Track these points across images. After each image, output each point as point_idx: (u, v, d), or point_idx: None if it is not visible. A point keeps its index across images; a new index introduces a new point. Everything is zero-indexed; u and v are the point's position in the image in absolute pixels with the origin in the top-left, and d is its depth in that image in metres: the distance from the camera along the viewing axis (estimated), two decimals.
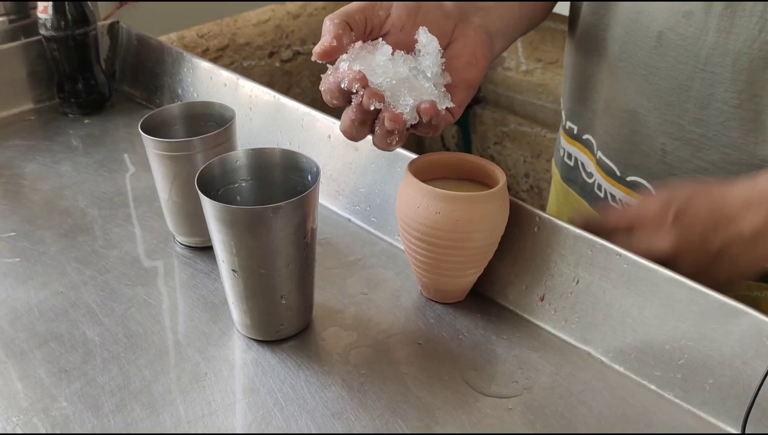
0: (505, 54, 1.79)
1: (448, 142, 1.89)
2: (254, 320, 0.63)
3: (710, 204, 0.59)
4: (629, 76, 0.70)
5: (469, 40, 0.63)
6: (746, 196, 0.58)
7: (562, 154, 0.84)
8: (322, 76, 0.60)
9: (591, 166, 0.79)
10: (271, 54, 1.75)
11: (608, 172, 0.75)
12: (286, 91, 1.76)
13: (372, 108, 0.57)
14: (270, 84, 1.70)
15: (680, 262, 0.58)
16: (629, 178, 0.72)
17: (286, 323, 0.63)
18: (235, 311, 0.63)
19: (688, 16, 0.65)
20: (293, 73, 1.81)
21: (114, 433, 0.56)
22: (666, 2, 0.66)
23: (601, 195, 0.78)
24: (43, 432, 0.56)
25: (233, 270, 0.60)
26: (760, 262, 0.57)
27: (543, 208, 0.67)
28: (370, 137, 0.62)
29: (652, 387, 0.59)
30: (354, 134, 0.60)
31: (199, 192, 0.59)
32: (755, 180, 0.60)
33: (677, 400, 0.58)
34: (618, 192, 0.74)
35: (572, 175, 0.83)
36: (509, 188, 0.65)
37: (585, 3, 0.75)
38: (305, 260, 0.61)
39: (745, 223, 0.57)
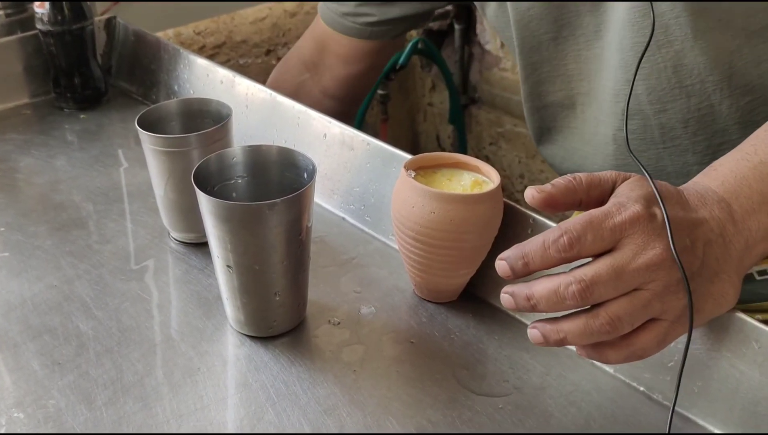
0: (501, 54, 1.80)
1: (443, 142, 1.89)
2: (248, 316, 0.63)
3: (681, 203, 0.52)
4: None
5: None
6: (696, 194, 0.53)
7: None
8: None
9: None
10: (268, 52, 1.76)
11: None
12: None
13: None
14: (266, 82, 1.70)
15: (676, 270, 0.50)
16: None
17: (280, 320, 0.63)
18: (229, 307, 0.63)
19: (631, 116, 0.71)
20: None
21: (107, 433, 0.56)
22: (607, 108, 0.73)
23: None
24: (36, 423, 0.56)
25: (228, 266, 0.60)
26: (737, 265, 0.53)
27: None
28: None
29: (641, 389, 0.60)
30: None
31: (195, 187, 0.59)
32: (693, 181, 0.55)
33: (666, 402, 0.58)
34: None
35: None
36: (504, 189, 0.65)
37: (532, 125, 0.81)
38: (300, 257, 0.61)
39: (710, 222, 0.52)
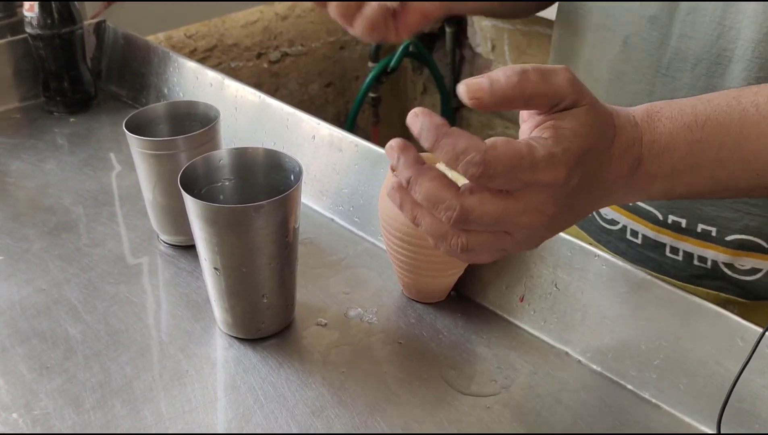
0: (492, 57, 1.80)
1: None
2: (236, 318, 0.63)
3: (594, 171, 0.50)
4: (598, 82, 0.71)
5: None
6: (630, 163, 0.51)
7: None
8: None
9: None
10: (259, 55, 1.76)
11: None
12: (273, 92, 1.77)
13: None
14: (257, 85, 1.70)
15: (546, 231, 0.49)
16: None
17: (268, 322, 0.63)
18: (217, 309, 0.64)
19: (653, 21, 0.66)
20: (281, 75, 1.82)
21: (95, 433, 0.56)
22: (633, 7, 0.67)
23: None
24: (24, 427, 0.56)
25: (215, 268, 0.60)
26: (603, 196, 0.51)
27: None
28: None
29: (629, 386, 0.60)
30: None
31: (182, 190, 0.59)
32: (640, 135, 0.52)
33: (653, 400, 0.59)
34: None
35: None
36: None
37: (559, 7, 0.77)
38: (287, 259, 0.62)
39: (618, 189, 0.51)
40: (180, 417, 0.57)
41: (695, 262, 0.69)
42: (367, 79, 1.81)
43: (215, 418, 0.57)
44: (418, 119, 0.47)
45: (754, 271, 0.67)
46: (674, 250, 0.70)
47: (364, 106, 1.86)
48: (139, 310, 0.68)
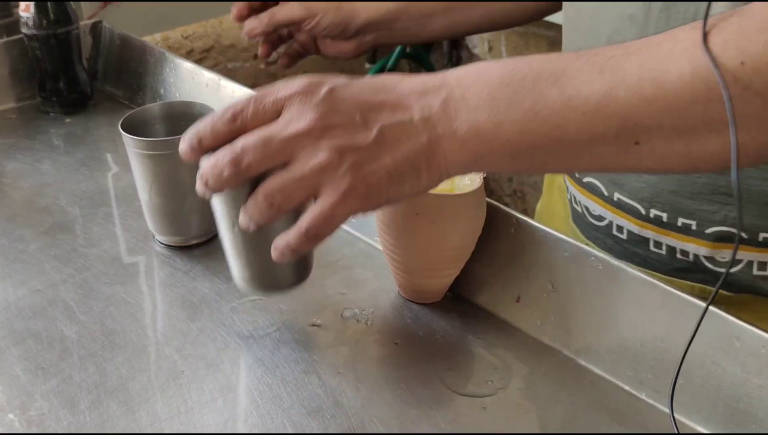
0: (489, 58, 1.80)
1: None
2: (254, 272, 0.60)
3: (375, 86, 0.52)
4: None
5: None
6: (424, 82, 0.52)
7: None
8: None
9: None
10: (256, 56, 1.76)
11: (570, 174, 0.77)
12: None
13: None
14: (254, 86, 1.69)
15: (329, 140, 0.50)
16: (585, 180, 0.74)
17: (287, 273, 0.60)
18: (235, 267, 0.60)
19: (631, 19, 0.67)
20: (278, 76, 1.81)
21: (90, 433, 0.56)
22: (614, 7, 0.68)
23: (568, 196, 0.79)
24: (20, 428, 0.56)
25: (232, 224, 0.58)
26: (432, 151, 0.51)
27: (525, 212, 0.68)
28: None
29: (625, 387, 0.60)
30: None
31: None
32: (444, 72, 0.54)
33: (649, 400, 0.59)
34: (577, 192, 0.76)
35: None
36: (492, 192, 0.65)
37: (564, 21, 0.77)
38: (300, 211, 0.60)
39: (416, 108, 0.51)
40: (176, 417, 0.57)
41: (678, 255, 0.69)
42: None
43: (211, 419, 0.57)
44: (183, 143, 0.53)
45: (734, 262, 0.67)
46: (658, 245, 0.70)
47: None
48: (134, 311, 0.67)
